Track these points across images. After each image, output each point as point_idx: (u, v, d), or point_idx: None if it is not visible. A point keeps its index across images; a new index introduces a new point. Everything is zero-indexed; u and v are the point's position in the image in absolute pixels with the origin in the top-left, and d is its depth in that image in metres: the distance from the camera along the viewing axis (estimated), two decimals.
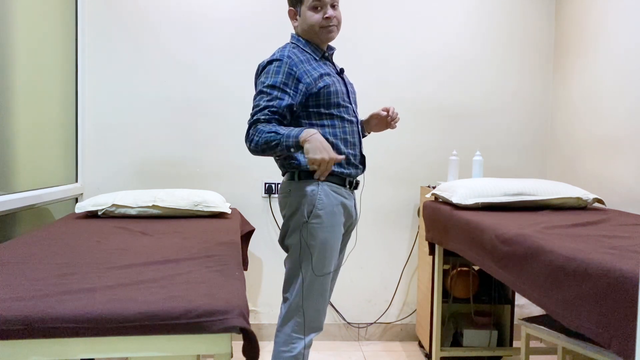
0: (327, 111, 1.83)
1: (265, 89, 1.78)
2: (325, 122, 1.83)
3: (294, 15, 1.90)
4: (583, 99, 2.88)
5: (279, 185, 1.95)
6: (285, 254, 1.93)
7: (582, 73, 2.90)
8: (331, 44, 1.97)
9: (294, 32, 1.95)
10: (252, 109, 1.79)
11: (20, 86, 2.25)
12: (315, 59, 1.87)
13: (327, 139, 1.80)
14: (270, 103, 1.75)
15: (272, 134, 1.70)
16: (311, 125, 1.82)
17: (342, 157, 1.69)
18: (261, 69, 1.84)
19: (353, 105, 1.95)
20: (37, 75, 2.42)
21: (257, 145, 1.73)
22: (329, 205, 1.81)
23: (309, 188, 1.80)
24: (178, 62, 3.00)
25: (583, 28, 2.90)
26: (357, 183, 1.95)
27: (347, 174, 1.87)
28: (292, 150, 1.69)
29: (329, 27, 1.85)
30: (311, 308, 1.83)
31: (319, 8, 1.83)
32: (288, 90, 1.77)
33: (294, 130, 1.70)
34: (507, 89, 3.20)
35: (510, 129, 3.21)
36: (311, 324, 1.84)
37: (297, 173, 1.83)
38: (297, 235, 1.81)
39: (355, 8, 3.07)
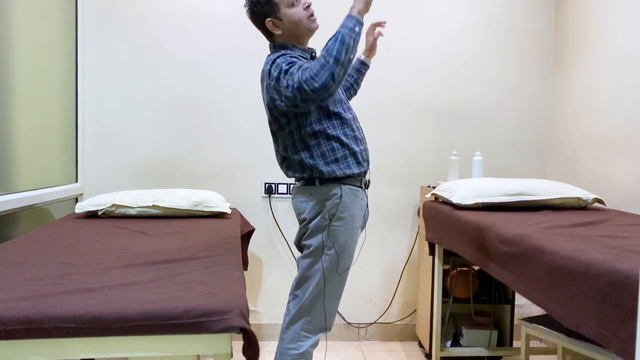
0: (334, 109, 1.83)
1: (287, 67, 1.72)
2: (335, 123, 1.82)
3: (273, 25, 1.84)
4: (583, 99, 2.88)
5: (294, 189, 1.93)
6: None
7: (582, 73, 2.90)
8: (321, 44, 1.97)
9: (272, 44, 1.91)
10: (290, 86, 1.68)
11: (21, 86, 2.25)
12: (306, 60, 1.87)
13: (340, 140, 1.81)
14: (301, 62, 1.72)
15: (331, 46, 1.62)
16: (323, 129, 1.80)
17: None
18: (268, 71, 1.78)
19: (348, 101, 1.97)
20: (37, 75, 2.42)
21: (334, 65, 1.61)
22: (351, 208, 1.83)
23: (332, 192, 1.81)
24: (178, 62, 3.00)
25: (583, 28, 2.90)
26: (369, 183, 1.97)
27: (363, 171, 1.88)
28: (358, 27, 1.67)
29: (312, 15, 1.85)
30: (325, 308, 1.85)
31: (295, 3, 1.82)
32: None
33: (343, 25, 1.67)
34: (507, 88, 3.20)
35: (510, 129, 3.21)
36: (322, 324, 1.86)
37: (318, 178, 1.82)
38: (317, 237, 1.82)
39: None
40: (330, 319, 1.88)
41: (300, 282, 1.87)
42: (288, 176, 1.92)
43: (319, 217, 1.82)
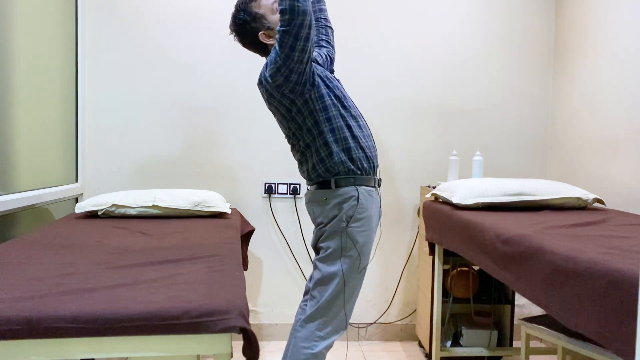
0: (345, 103, 1.84)
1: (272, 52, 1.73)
2: (346, 114, 1.82)
3: (266, 36, 1.84)
4: (583, 99, 2.88)
5: (307, 194, 1.92)
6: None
7: (582, 73, 2.90)
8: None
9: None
10: (277, 50, 1.69)
11: (21, 86, 2.25)
12: None
13: (351, 130, 1.81)
14: None
15: None
16: (339, 126, 1.81)
17: None
18: (265, 66, 1.78)
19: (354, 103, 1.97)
20: (37, 75, 2.42)
21: None
22: (369, 209, 1.84)
23: (348, 195, 1.81)
24: (178, 62, 3.00)
25: (583, 28, 2.90)
26: (380, 181, 1.97)
27: (373, 168, 1.88)
28: None
29: None
30: (343, 310, 1.85)
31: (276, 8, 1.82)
32: None
33: None
34: (507, 88, 3.20)
35: (511, 129, 3.21)
36: (338, 325, 1.85)
37: (334, 181, 1.82)
38: (336, 240, 1.82)
39: (355, 7, 3.07)
40: (346, 321, 1.87)
41: (318, 283, 1.86)
42: (308, 178, 1.89)
43: (336, 220, 1.81)
